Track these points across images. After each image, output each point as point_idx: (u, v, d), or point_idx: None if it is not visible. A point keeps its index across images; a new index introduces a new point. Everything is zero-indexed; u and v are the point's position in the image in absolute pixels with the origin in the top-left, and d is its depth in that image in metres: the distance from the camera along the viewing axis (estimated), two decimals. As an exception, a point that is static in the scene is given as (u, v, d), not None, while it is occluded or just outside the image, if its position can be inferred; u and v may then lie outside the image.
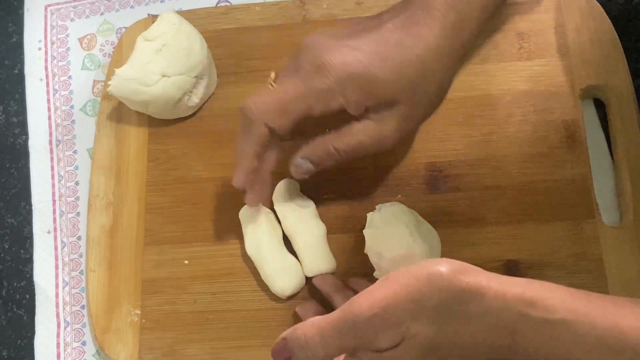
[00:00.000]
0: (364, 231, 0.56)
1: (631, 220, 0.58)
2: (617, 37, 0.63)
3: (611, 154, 0.61)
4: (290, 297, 0.58)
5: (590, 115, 0.63)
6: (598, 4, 0.64)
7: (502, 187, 0.60)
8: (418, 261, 0.43)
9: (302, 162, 0.55)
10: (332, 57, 0.50)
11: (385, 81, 0.50)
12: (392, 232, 0.54)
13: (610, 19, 0.63)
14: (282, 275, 0.57)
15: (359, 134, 0.53)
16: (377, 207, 0.57)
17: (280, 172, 0.61)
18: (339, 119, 0.53)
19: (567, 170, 0.60)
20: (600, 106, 0.63)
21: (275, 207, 0.59)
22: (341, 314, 0.42)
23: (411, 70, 0.50)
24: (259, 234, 0.58)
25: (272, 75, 0.57)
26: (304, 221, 0.59)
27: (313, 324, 0.43)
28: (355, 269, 0.58)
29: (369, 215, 0.56)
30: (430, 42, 0.50)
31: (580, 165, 0.60)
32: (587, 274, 0.57)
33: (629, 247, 0.57)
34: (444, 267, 0.41)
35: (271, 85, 0.55)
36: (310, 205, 0.60)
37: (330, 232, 0.59)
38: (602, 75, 0.62)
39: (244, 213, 0.59)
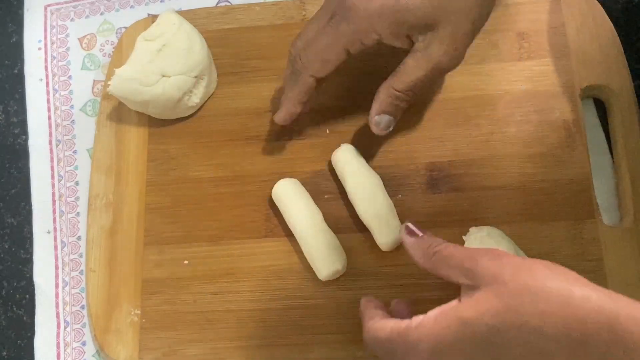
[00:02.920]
0: None
1: (631, 220, 0.58)
2: (617, 37, 0.63)
3: (611, 154, 0.61)
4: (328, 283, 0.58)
5: (590, 115, 0.63)
6: (598, 4, 0.64)
7: (502, 187, 0.60)
8: None
9: (379, 119, 0.56)
10: None
11: (417, 7, 0.50)
12: None
13: (610, 19, 0.63)
14: (331, 253, 0.57)
15: (413, 71, 0.53)
16: (470, 229, 0.56)
17: (279, 172, 0.62)
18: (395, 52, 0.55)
19: (567, 170, 0.60)
20: (600, 106, 0.63)
21: (343, 171, 0.59)
22: (395, 331, 0.44)
23: None
24: (305, 210, 0.58)
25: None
26: (378, 187, 0.58)
27: (376, 328, 0.46)
28: (358, 269, 0.59)
29: (466, 238, 0.56)
30: None
31: (580, 165, 0.60)
32: (587, 274, 0.55)
33: (629, 247, 0.57)
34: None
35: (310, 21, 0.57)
36: (375, 174, 0.59)
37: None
38: (602, 75, 0.62)
39: (282, 189, 0.59)
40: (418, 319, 0.44)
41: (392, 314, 0.49)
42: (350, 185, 0.59)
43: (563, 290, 0.39)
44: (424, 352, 0.42)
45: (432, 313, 0.43)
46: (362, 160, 0.60)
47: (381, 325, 0.46)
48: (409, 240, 0.48)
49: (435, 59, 0.52)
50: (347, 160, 0.59)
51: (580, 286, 0.40)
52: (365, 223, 0.58)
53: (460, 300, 0.43)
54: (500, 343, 0.40)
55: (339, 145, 0.60)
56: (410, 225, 0.49)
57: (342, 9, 0.52)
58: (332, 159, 0.61)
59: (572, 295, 0.39)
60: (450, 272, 0.44)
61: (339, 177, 0.60)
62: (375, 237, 0.58)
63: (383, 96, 0.55)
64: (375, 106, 0.55)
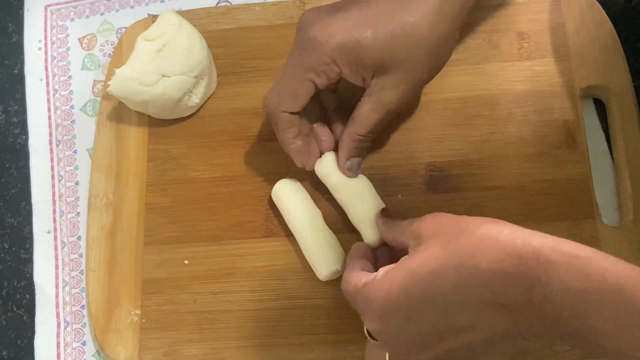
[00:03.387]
0: None
1: (631, 220, 0.58)
2: (617, 37, 0.63)
3: (611, 154, 0.61)
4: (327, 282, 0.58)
5: (590, 115, 0.63)
6: (598, 4, 0.64)
7: (502, 187, 0.60)
8: None
9: (350, 164, 0.57)
10: (320, 31, 0.52)
11: (373, 49, 0.51)
12: None
13: (610, 19, 0.63)
14: (331, 253, 0.57)
15: (370, 115, 0.55)
16: None
17: (279, 172, 0.62)
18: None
19: (567, 170, 0.60)
20: (600, 106, 0.63)
21: (327, 179, 0.59)
22: (355, 289, 0.49)
23: (401, 35, 0.51)
24: (304, 210, 0.58)
25: None
26: (360, 192, 0.58)
27: (346, 281, 0.51)
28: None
29: None
30: (425, 8, 0.51)
31: (580, 165, 0.60)
32: (587, 274, 0.57)
33: (629, 247, 0.57)
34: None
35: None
36: (363, 177, 0.59)
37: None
38: (602, 75, 0.62)
39: (281, 190, 0.59)
40: (373, 275, 0.48)
41: (378, 262, 0.53)
42: (336, 196, 0.59)
43: (494, 230, 0.43)
44: (376, 306, 0.46)
45: (383, 270, 0.47)
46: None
47: (350, 278, 0.50)
48: (380, 219, 0.55)
49: (388, 104, 0.54)
50: (327, 174, 0.58)
51: (510, 226, 0.43)
52: (355, 227, 0.58)
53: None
54: (440, 284, 0.43)
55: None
56: (386, 209, 0.56)
57: (305, 43, 0.53)
58: (315, 171, 0.59)
59: (502, 232, 0.42)
60: (403, 238, 0.49)
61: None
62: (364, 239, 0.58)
63: (348, 143, 0.56)
64: (344, 154, 0.57)
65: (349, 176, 0.58)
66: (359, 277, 0.49)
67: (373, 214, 0.56)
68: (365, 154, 0.59)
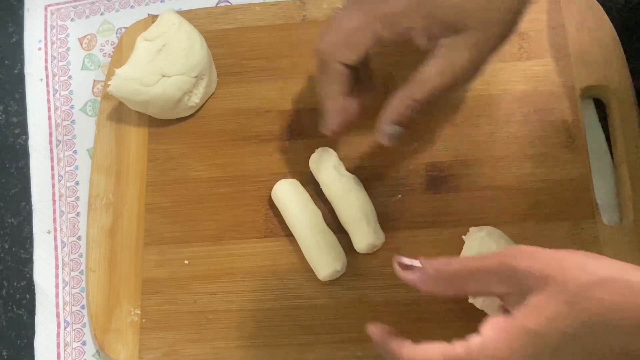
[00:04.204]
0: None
1: (631, 220, 0.58)
2: (617, 37, 0.63)
3: (611, 154, 0.61)
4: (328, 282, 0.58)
5: (590, 115, 0.63)
6: (598, 4, 0.64)
7: (502, 187, 0.60)
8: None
9: (391, 129, 0.51)
10: None
11: (452, 4, 0.47)
12: None
13: (610, 19, 0.63)
14: (331, 253, 0.57)
15: (434, 77, 0.49)
16: (470, 230, 0.56)
17: (279, 172, 0.62)
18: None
19: (567, 170, 0.60)
20: (600, 106, 0.63)
21: (318, 174, 0.59)
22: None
23: None
24: (304, 210, 0.58)
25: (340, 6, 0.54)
26: (350, 191, 0.58)
27: (419, 355, 0.42)
28: (360, 269, 0.59)
29: (466, 239, 0.56)
30: None
31: (580, 165, 0.60)
32: (587, 274, 0.57)
33: (629, 247, 0.57)
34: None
35: (337, 13, 0.52)
36: (352, 175, 0.59)
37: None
38: (602, 75, 0.62)
39: (281, 190, 0.59)
40: (476, 340, 0.40)
41: None
42: (326, 193, 0.59)
43: (619, 278, 0.38)
44: None
45: (489, 332, 0.40)
46: (331, 166, 0.59)
47: (424, 351, 0.42)
48: (410, 277, 0.45)
49: (459, 66, 0.49)
50: (318, 169, 0.59)
51: (632, 270, 0.38)
52: (344, 228, 0.58)
53: (510, 311, 0.40)
54: (578, 347, 0.38)
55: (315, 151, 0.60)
56: (402, 260, 0.45)
57: None
58: (310, 167, 0.60)
59: (631, 281, 0.37)
60: (481, 287, 0.42)
61: None
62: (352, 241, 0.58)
63: (398, 105, 0.50)
64: (388, 115, 0.51)
65: (383, 143, 0.52)
66: (441, 347, 0.41)
67: (358, 216, 0.57)
68: (409, 125, 0.52)
